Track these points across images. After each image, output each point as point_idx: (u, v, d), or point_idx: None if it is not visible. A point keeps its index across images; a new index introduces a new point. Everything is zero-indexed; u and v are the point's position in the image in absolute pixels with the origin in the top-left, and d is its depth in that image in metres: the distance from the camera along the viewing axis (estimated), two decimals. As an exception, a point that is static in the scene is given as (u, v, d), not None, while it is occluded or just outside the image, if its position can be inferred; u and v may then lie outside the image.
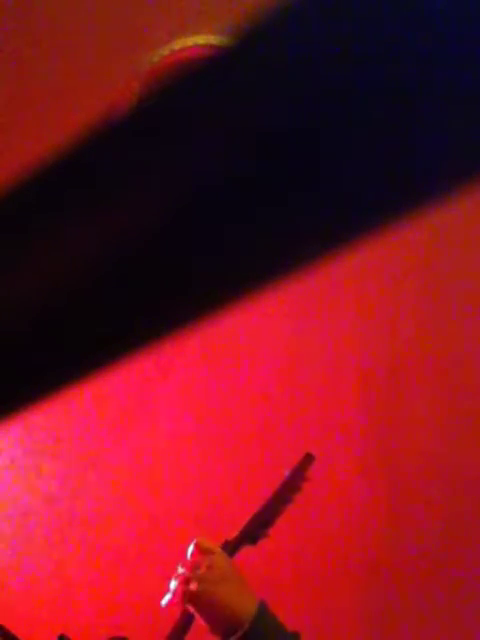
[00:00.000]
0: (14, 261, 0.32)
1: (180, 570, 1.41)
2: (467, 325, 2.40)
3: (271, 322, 2.48)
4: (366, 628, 2.25)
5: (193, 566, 1.39)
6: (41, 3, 2.43)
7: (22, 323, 0.32)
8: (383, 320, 2.44)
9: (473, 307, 2.41)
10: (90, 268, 0.31)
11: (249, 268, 0.30)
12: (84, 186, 0.31)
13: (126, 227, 0.30)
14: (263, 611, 1.35)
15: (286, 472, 1.60)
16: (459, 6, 0.26)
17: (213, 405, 2.48)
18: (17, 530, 2.49)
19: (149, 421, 2.51)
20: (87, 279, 0.31)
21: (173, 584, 1.40)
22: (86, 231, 0.31)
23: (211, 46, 2.33)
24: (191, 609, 1.39)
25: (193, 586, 1.36)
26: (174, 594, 1.39)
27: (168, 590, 1.41)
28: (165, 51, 2.39)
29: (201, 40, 2.36)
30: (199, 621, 1.39)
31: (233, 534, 1.53)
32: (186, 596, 1.37)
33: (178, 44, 2.38)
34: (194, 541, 1.43)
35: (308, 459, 1.60)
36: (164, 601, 1.40)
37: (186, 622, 1.45)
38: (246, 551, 1.53)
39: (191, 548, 1.43)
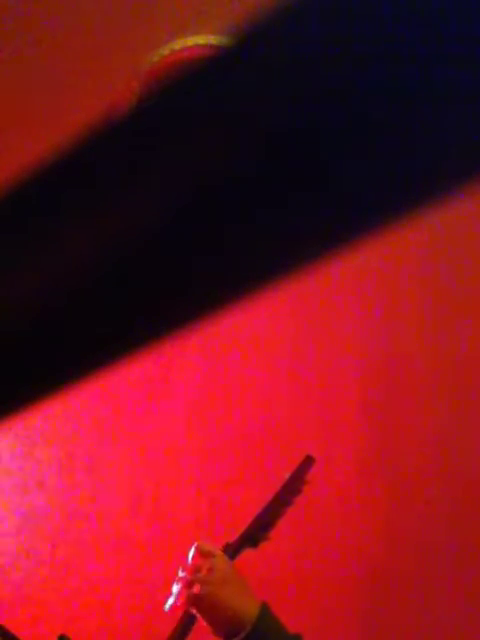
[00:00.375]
0: (14, 261, 0.32)
1: (181, 574, 1.41)
2: (467, 325, 2.40)
3: (271, 322, 2.48)
4: (366, 629, 2.25)
5: (194, 569, 1.40)
6: (41, 3, 2.43)
7: (22, 323, 0.32)
8: (383, 320, 2.44)
9: (473, 307, 2.41)
10: (90, 268, 0.31)
11: (249, 268, 0.30)
12: (84, 186, 0.31)
13: (126, 227, 0.30)
14: (265, 613, 1.37)
15: (286, 475, 1.60)
16: (459, 6, 0.26)
17: (213, 405, 2.48)
18: (17, 530, 2.49)
19: (149, 421, 2.51)
20: (87, 279, 0.31)
21: (175, 588, 1.41)
22: (86, 231, 0.31)
23: (211, 46, 2.33)
24: (194, 611, 1.40)
25: (196, 589, 1.37)
26: (177, 597, 1.39)
27: (170, 594, 1.42)
28: (165, 51, 2.39)
29: (201, 40, 2.36)
30: (200, 623, 1.40)
31: (234, 537, 1.53)
32: (189, 599, 1.38)
33: (178, 44, 2.38)
34: (195, 545, 1.44)
35: (308, 462, 1.60)
36: (167, 605, 1.41)
37: (187, 624, 1.45)
38: (246, 553, 1.53)
39: (192, 551, 1.43)
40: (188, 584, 1.39)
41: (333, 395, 2.41)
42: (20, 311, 0.32)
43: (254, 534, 1.54)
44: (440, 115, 0.26)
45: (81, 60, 2.48)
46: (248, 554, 1.53)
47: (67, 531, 2.47)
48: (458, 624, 2.18)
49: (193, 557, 1.43)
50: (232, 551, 1.49)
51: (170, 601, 1.41)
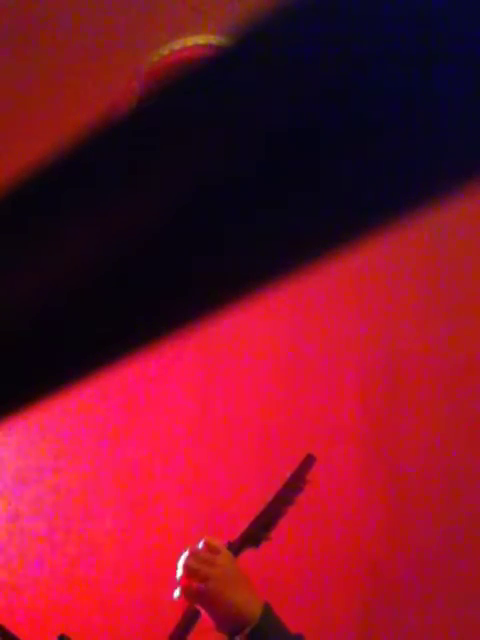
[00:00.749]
0: (14, 261, 0.32)
1: (185, 559, 1.42)
2: (467, 325, 2.40)
3: (271, 322, 2.48)
4: (366, 630, 2.25)
5: (201, 560, 1.41)
6: (41, 3, 2.43)
7: (22, 323, 0.32)
8: (383, 320, 2.44)
9: (473, 307, 2.41)
10: (90, 268, 0.31)
11: (249, 268, 0.30)
12: (84, 186, 0.31)
13: (126, 227, 0.30)
14: (268, 612, 1.39)
15: (287, 474, 1.60)
16: (459, 6, 0.26)
17: (213, 405, 2.48)
18: (17, 530, 2.49)
19: (149, 421, 2.51)
20: (87, 279, 0.31)
21: (179, 573, 1.42)
22: (86, 231, 0.31)
23: (211, 46, 2.33)
24: (198, 606, 1.42)
25: (202, 584, 1.38)
26: (184, 589, 1.41)
27: (175, 580, 1.43)
28: (165, 51, 2.39)
29: (201, 40, 2.36)
30: (204, 618, 1.42)
31: (234, 536, 1.54)
32: (193, 593, 1.39)
33: (178, 44, 2.38)
34: (203, 539, 1.45)
35: (309, 460, 1.60)
36: (176, 594, 1.43)
37: (190, 620, 1.46)
38: (247, 552, 1.54)
39: (200, 545, 1.44)
40: (192, 573, 1.40)
41: (333, 395, 2.41)
42: (20, 311, 0.32)
43: (256, 534, 1.55)
44: (440, 115, 0.26)
45: (81, 60, 2.48)
46: (249, 553, 1.54)
47: (67, 531, 2.47)
48: (458, 624, 2.18)
49: (200, 549, 1.44)
50: (234, 550, 1.50)
51: (178, 592, 1.42)
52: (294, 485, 1.58)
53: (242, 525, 1.57)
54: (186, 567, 1.41)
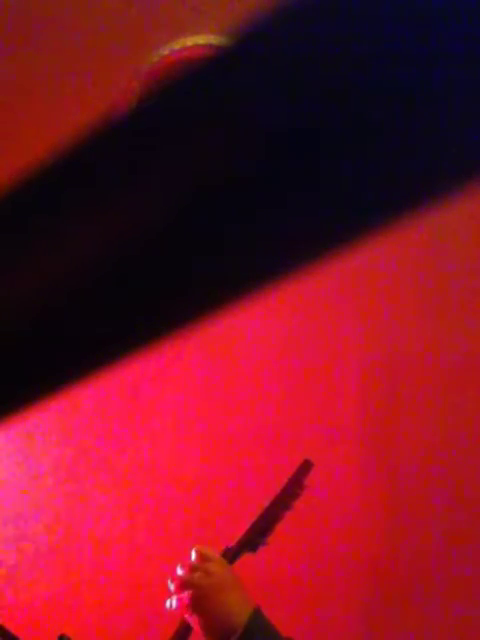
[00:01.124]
0: (14, 261, 0.32)
1: (179, 572, 1.42)
2: (467, 325, 2.40)
3: (271, 322, 2.48)
4: (366, 630, 2.25)
5: (191, 570, 1.40)
6: (41, 3, 2.43)
7: (22, 323, 0.32)
8: (383, 321, 2.44)
9: (473, 307, 2.41)
10: (90, 268, 0.31)
11: (249, 268, 0.30)
12: (84, 186, 0.31)
13: (126, 227, 0.30)
14: (257, 617, 1.36)
15: (285, 479, 1.59)
16: (459, 6, 0.26)
17: (212, 406, 2.48)
18: (17, 530, 2.49)
19: (148, 421, 2.51)
20: (87, 279, 0.31)
21: (171, 586, 1.41)
22: (86, 231, 0.31)
23: (211, 46, 2.33)
24: (188, 616, 1.40)
25: (188, 593, 1.37)
26: (174, 601, 1.40)
27: (168, 592, 1.42)
28: (165, 51, 2.39)
29: (201, 40, 2.36)
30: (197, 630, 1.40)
31: (232, 539, 1.53)
32: (183, 603, 1.38)
33: (178, 44, 2.38)
34: (194, 548, 1.44)
35: (306, 466, 1.60)
36: (168, 605, 1.42)
37: (187, 628, 1.46)
38: (246, 556, 1.53)
39: (192, 555, 1.43)
40: (182, 584, 1.39)
41: (333, 396, 2.41)
42: (20, 311, 0.32)
43: (253, 539, 1.54)
44: (440, 115, 0.26)
45: (81, 60, 2.48)
46: (247, 556, 1.53)
47: (67, 532, 2.47)
48: (458, 624, 2.18)
49: (191, 559, 1.43)
50: (231, 556, 1.49)
51: (172, 602, 1.41)
52: (291, 491, 1.58)
53: (242, 525, 1.57)
54: (176, 578, 1.41)
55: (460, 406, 2.34)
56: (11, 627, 1.55)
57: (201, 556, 1.43)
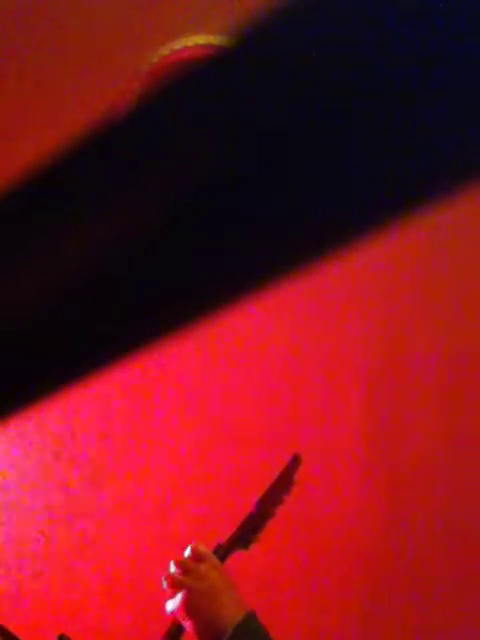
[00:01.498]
0: (14, 261, 0.32)
1: (172, 569, 1.41)
2: (468, 326, 2.40)
3: (271, 322, 2.48)
4: (366, 629, 2.25)
5: (184, 570, 1.39)
6: (41, 3, 2.43)
7: (22, 323, 0.32)
8: (383, 321, 2.44)
9: (473, 307, 2.41)
10: (90, 268, 0.31)
11: (249, 268, 0.30)
12: (84, 186, 0.31)
13: (126, 227, 0.30)
14: (247, 621, 1.35)
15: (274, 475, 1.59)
16: (459, 6, 0.26)
17: (213, 405, 2.48)
18: (17, 530, 2.49)
19: (148, 421, 2.51)
20: (87, 279, 0.31)
21: (164, 584, 1.40)
22: (86, 231, 0.31)
23: (211, 46, 2.33)
24: (178, 617, 1.39)
25: (181, 597, 1.36)
26: (170, 603, 1.40)
27: (163, 589, 1.42)
28: (165, 51, 2.39)
29: (201, 40, 2.36)
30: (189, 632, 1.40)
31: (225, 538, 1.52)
32: (175, 606, 1.37)
33: (178, 44, 2.38)
34: (190, 545, 1.43)
35: (295, 461, 1.59)
36: (168, 608, 1.41)
37: (179, 628, 1.45)
38: (244, 553, 1.53)
39: (186, 552, 1.42)
40: (173, 584, 1.38)
41: (334, 395, 2.41)
42: (20, 311, 0.32)
43: (244, 536, 1.53)
44: (440, 115, 0.26)
45: (81, 60, 2.48)
46: (246, 554, 1.53)
47: (66, 531, 2.47)
48: (458, 623, 2.18)
49: (185, 558, 1.42)
50: (222, 554, 1.48)
51: (174, 603, 1.40)
52: (281, 486, 1.57)
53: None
54: (168, 578, 1.40)
55: (461, 405, 2.34)
56: (11, 627, 1.55)
57: (195, 555, 1.41)
